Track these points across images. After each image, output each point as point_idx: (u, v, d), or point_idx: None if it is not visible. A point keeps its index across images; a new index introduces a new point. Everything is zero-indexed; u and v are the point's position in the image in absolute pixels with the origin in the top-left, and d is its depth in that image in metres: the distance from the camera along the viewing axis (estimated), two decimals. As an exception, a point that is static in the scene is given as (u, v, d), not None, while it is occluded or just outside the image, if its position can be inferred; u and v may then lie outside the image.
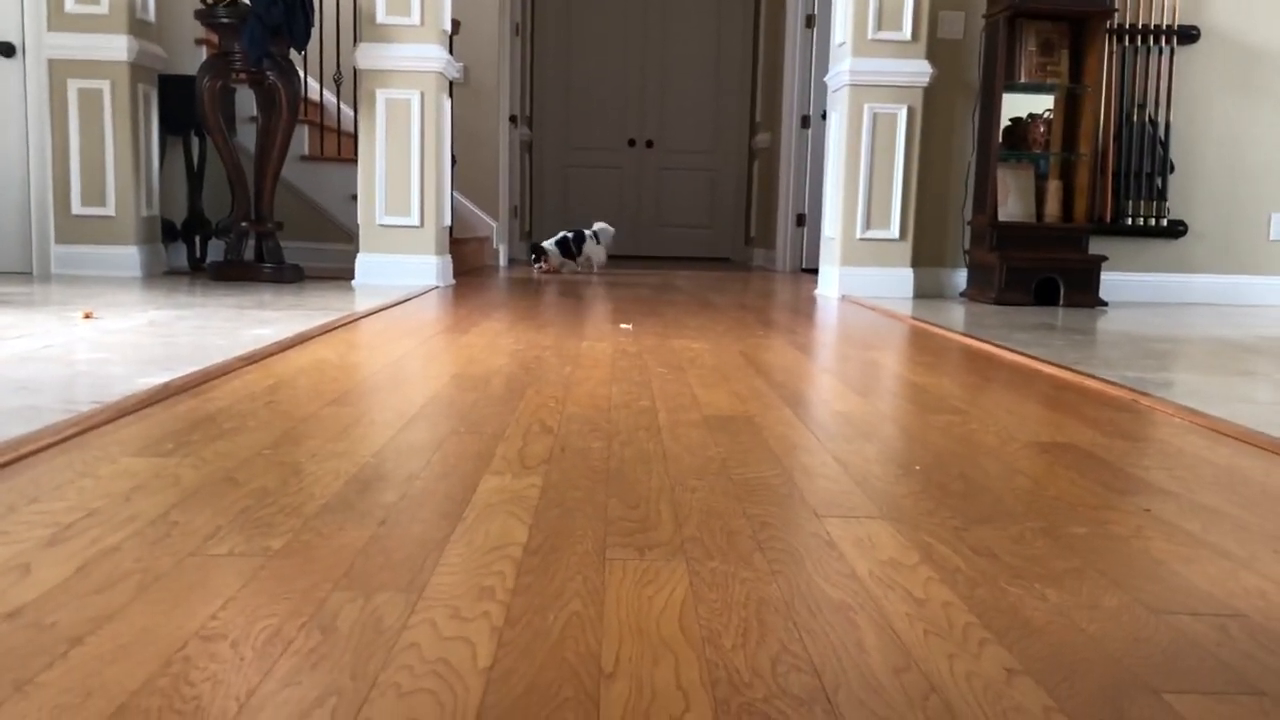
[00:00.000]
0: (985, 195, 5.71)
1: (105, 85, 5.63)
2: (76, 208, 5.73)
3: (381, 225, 5.67)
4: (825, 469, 1.79)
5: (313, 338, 3.39)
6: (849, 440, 2.02)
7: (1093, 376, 2.94)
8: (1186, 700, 0.93)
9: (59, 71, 5.62)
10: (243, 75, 5.56)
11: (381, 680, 0.93)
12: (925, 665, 0.99)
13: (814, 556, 1.31)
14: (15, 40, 5.59)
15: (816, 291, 6.23)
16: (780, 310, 4.98)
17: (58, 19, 5.57)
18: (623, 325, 4.03)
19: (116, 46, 5.59)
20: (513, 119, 8.80)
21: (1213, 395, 2.70)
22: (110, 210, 5.75)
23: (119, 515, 1.39)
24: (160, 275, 5.89)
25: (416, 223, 5.65)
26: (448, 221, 6.10)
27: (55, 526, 1.34)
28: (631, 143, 10.80)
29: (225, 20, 5.45)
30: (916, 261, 6.03)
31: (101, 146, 5.68)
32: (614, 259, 10.04)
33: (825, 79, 6.32)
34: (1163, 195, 6.14)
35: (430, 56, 5.57)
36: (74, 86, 5.62)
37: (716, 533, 1.40)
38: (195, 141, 6.43)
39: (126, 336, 3.20)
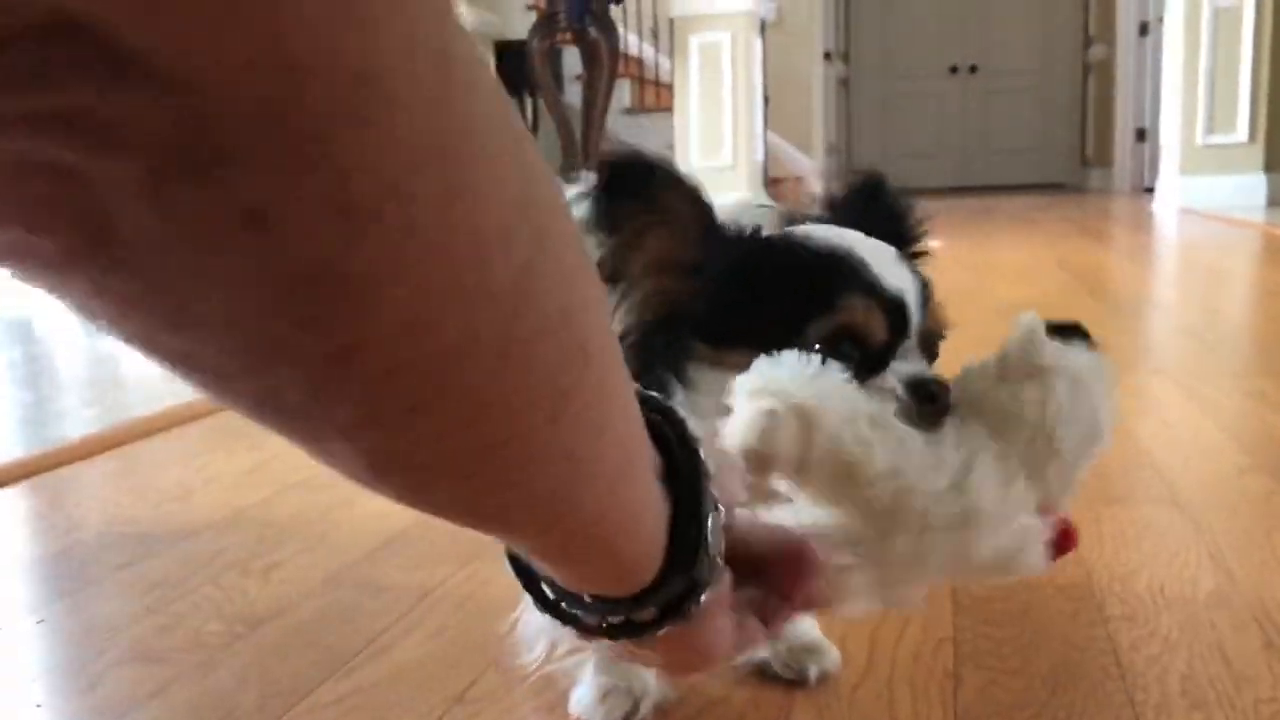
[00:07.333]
0: (1350, 85, 5.15)
1: (450, 55, 6.22)
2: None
3: (695, 168, 5.92)
4: (1109, 339, 1.80)
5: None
6: (1142, 316, 2.01)
7: None
8: None
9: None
10: (567, 34, 5.96)
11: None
12: (1161, 466, 1.05)
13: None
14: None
15: (1152, 206, 5.87)
16: (1107, 223, 4.78)
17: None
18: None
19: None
20: (827, 55, 8.81)
21: None
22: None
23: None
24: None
25: (730, 162, 5.85)
26: (759, 159, 6.26)
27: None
28: (954, 69, 10.47)
29: (550, -17, 5.86)
30: (1270, 166, 5.53)
31: (450, 111, 6.29)
32: (933, 192, 9.83)
33: (1159, -24, 5.90)
34: None
35: (740, -3, 5.74)
36: (425, 59, 6.26)
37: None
38: (528, 101, 6.97)
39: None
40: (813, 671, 0.68)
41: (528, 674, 0.67)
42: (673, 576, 0.36)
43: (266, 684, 0.71)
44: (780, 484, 0.47)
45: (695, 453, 0.37)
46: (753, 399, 0.46)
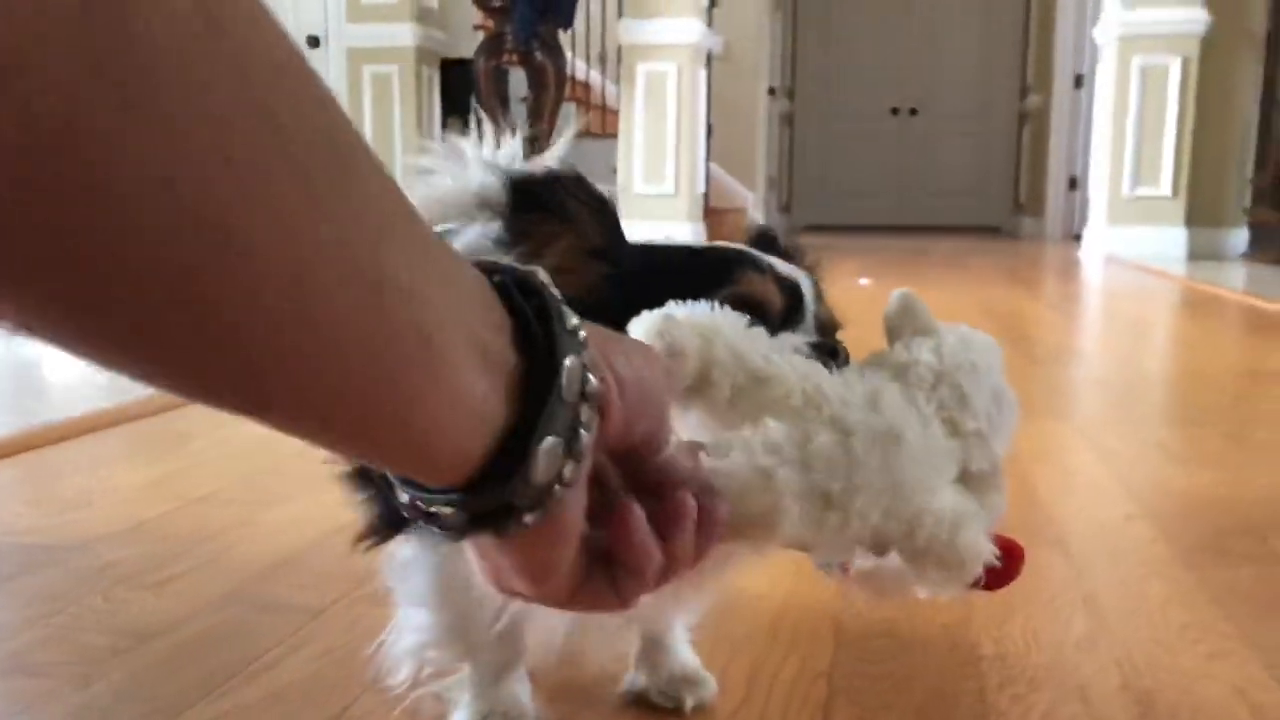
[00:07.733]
0: (1269, 150, 5.34)
1: (394, 70, 6.20)
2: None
3: (638, 194, 5.96)
4: (1021, 386, 1.85)
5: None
6: (1058, 363, 2.06)
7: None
8: (1297, 542, 0.98)
9: (355, 59, 6.25)
10: (514, 55, 5.98)
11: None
12: (1053, 511, 1.08)
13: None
14: (320, 33, 6.26)
15: (1079, 254, 6.02)
16: (1035, 270, 4.89)
17: (355, 11, 6.18)
18: (861, 280, 4.10)
19: (404, 33, 6.16)
20: (771, 91, 8.93)
21: None
22: (400, 185, 6.34)
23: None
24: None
25: (671, 190, 5.89)
26: (701, 189, 6.32)
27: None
28: (895, 111, 10.66)
29: (497, 4, 5.88)
30: (1190, 220, 5.70)
31: (390, 126, 6.26)
32: (870, 229, 9.97)
33: (1093, 32, 6.08)
34: None
35: (688, 30, 5.80)
36: (368, 72, 6.23)
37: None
38: (472, 120, 6.96)
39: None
40: (689, 701, 0.69)
41: (404, 696, 0.67)
42: (484, 488, 0.33)
43: (144, 700, 0.71)
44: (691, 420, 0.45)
45: (555, 367, 0.33)
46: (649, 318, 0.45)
